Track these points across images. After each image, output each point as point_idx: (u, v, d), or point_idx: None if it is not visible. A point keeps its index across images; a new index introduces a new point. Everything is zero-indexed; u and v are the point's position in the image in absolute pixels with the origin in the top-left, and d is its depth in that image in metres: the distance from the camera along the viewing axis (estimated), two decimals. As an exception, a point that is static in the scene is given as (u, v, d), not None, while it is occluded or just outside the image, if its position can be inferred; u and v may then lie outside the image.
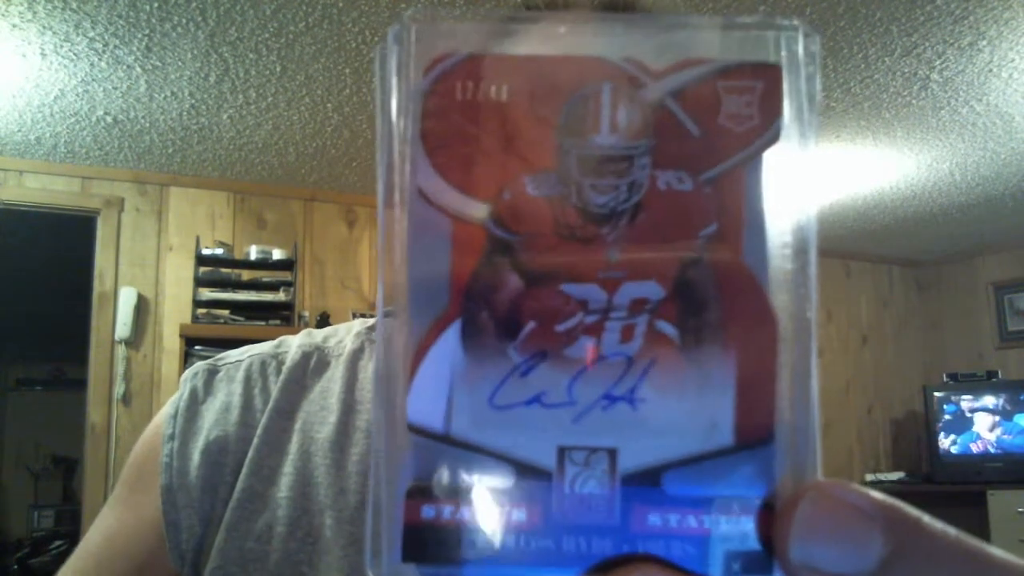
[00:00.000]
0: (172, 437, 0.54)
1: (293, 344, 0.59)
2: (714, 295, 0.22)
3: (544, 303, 0.22)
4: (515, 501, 0.21)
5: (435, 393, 0.21)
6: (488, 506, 0.21)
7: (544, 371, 0.21)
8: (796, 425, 0.21)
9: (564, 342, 0.22)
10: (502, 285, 0.22)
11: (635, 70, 0.22)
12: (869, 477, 4.91)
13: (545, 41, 0.22)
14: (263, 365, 0.58)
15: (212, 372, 0.58)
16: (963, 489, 4.56)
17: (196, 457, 0.53)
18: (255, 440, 0.53)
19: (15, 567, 5.15)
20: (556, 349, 0.22)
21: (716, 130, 0.22)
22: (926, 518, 0.20)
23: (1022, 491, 4.36)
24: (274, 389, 0.56)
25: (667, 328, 0.22)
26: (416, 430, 0.21)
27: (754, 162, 0.22)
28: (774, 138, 0.22)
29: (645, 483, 0.21)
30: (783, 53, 0.22)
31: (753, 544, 0.21)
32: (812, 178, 0.22)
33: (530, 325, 0.22)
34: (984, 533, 4.40)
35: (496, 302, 0.22)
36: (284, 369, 0.57)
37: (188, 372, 0.58)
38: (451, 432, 0.21)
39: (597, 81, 0.22)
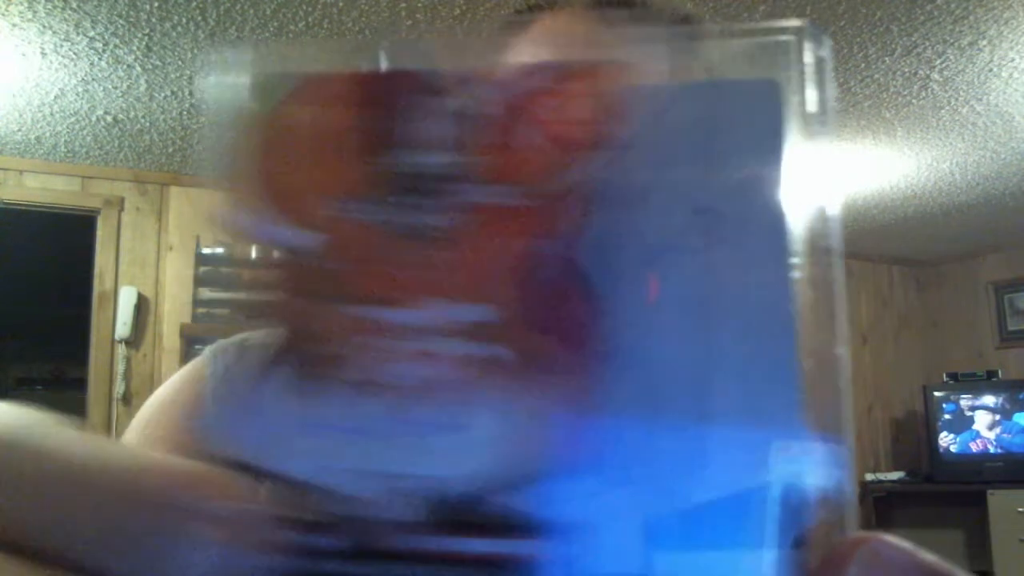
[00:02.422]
0: None
1: None
2: (548, 317, 0.21)
3: (368, 330, 0.21)
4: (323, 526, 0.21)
5: (250, 419, 0.21)
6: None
7: (364, 399, 0.21)
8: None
9: (389, 369, 0.21)
10: (325, 314, 0.21)
11: (457, 80, 0.21)
12: (869, 477, 4.91)
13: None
14: None
15: (243, 350, 0.57)
16: (963, 489, 4.56)
17: None
18: None
19: (15, 567, 5.14)
20: (379, 377, 0.21)
21: (549, 140, 0.21)
22: None
23: (1022, 491, 4.36)
24: None
25: (498, 352, 0.21)
26: (221, 457, 0.21)
27: (594, 171, 0.21)
28: (615, 148, 0.21)
29: (464, 508, 0.21)
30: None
31: None
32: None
33: (354, 353, 0.21)
34: (984, 533, 4.40)
35: (320, 332, 0.21)
36: None
37: (215, 348, 0.58)
38: (258, 459, 0.21)
39: (418, 95, 0.21)
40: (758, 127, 0.21)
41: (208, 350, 0.57)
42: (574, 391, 0.21)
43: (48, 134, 3.22)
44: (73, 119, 3.08)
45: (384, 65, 0.21)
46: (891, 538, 0.20)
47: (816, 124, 0.21)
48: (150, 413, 0.55)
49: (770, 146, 0.21)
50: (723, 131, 0.21)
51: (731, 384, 0.21)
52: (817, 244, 0.21)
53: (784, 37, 0.21)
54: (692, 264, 0.21)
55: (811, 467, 0.21)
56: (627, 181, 0.21)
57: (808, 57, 0.21)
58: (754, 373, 0.21)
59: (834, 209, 0.21)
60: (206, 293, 3.60)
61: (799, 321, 0.21)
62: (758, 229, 0.21)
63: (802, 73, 0.21)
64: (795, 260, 0.21)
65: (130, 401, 3.51)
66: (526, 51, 0.45)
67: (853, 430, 0.21)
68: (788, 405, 0.21)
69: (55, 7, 2.33)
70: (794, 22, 0.21)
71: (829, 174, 0.21)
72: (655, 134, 0.21)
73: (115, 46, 2.54)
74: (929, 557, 0.19)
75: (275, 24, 2.44)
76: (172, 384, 0.56)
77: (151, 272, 3.64)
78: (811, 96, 0.21)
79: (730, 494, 0.20)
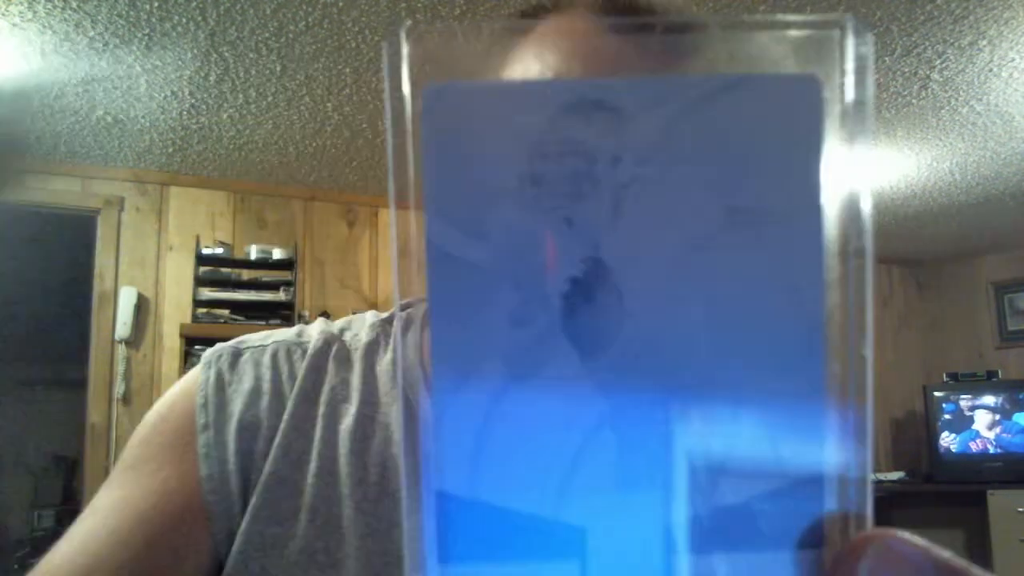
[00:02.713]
0: (206, 427, 0.53)
1: (314, 331, 0.60)
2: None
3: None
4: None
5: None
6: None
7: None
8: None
9: None
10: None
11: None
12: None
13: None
14: (289, 352, 0.58)
15: (236, 354, 0.58)
16: (963, 489, 4.56)
17: (232, 445, 0.53)
18: (282, 425, 0.54)
19: (16, 567, 5.15)
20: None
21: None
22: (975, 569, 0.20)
23: (1022, 491, 4.36)
24: (299, 375, 0.56)
25: None
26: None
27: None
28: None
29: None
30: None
31: None
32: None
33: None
34: (984, 533, 4.40)
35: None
36: (307, 356, 0.58)
37: (210, 354, 0.58)
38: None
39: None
40: (795, 124, 0.21)
41: (203, 357, 0.58)
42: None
43: (48, 134, 3.22)
44: (73, 119, 3.08)
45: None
46: (905, 534, 0.20)
47: (855, 122, 0.21)
48: (144, 432, 0.55)
49: (807, 144, 0.21)
50: (759, 127, 0.21)
51: (758, 384, 0.21)
52: (849, 245, 0.21)
53: (825, 31, 0.21)
54: (724, 263, 0.21)
55: (831, 465, 0.21)
56: (660, 177, 0.21)
57: (849, 52, 0.21)
58: (781, 374, 0.21)
59: (868, 209, 0.21)
60: (206, 293, 3.60)
61: (829, 322, 0.21)
62: (792, 228, 0.21)
63: (842, 69, 0.21)
64: (828, 260, 0.21)
65: (130, 401, 3.51)
66: (530, 51, 0.45)
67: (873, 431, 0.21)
68: (814, 405, 0.21)
69: (55, 7, 2.33)
70: (836, 16, 0.21)
71: (865, 174, 0.21)
72: (689, 129, 0.21)
73: (115, 46, 2.54)
74: (944, 553, 0.19)
75: (275, 24, 2.44)
76: (165, 401, 0.57)
77: (151, 272, 3.64)
78: (850, 93, 0.21)
79: (750, 494, 0.20)
